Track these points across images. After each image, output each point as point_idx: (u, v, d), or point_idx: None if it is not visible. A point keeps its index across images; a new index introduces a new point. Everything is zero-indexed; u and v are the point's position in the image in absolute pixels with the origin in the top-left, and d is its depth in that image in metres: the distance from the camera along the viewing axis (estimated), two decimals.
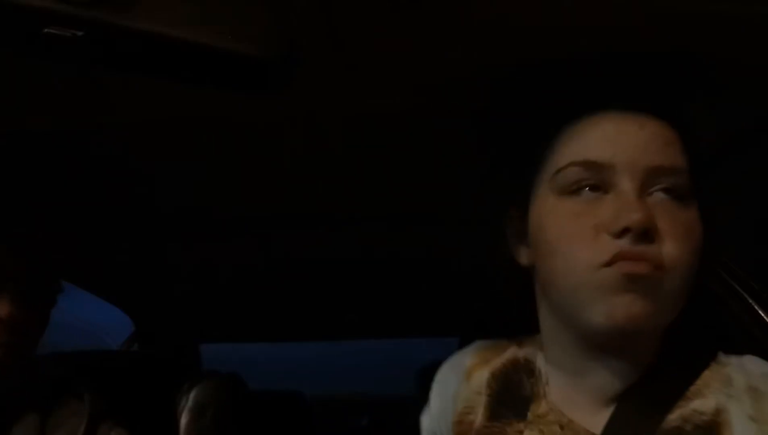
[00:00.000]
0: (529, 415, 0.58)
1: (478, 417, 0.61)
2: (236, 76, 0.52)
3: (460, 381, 0.64)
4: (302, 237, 1.07)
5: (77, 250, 1.09)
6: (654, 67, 0.58)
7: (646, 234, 0.49)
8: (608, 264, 0.49)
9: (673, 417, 0.52)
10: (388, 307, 1.55)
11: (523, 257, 0.60)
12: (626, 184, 0.51)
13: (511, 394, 0.61)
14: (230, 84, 0.54)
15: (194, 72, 0.51)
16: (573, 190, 0.53)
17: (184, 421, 1.39)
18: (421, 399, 0.70)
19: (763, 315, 0.84)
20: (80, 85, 0.61)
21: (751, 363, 0.55)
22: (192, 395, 1.43)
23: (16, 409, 0.77)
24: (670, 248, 0.50)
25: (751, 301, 0.85)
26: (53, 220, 0.95)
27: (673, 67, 0.58)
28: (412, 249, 1.11)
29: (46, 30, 0.44)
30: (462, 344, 0.69)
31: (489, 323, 0.77)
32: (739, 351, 0.58)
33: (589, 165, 0.52)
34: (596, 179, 0.52)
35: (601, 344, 0.54)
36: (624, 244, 0.49)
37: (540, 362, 0.62)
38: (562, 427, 0.56)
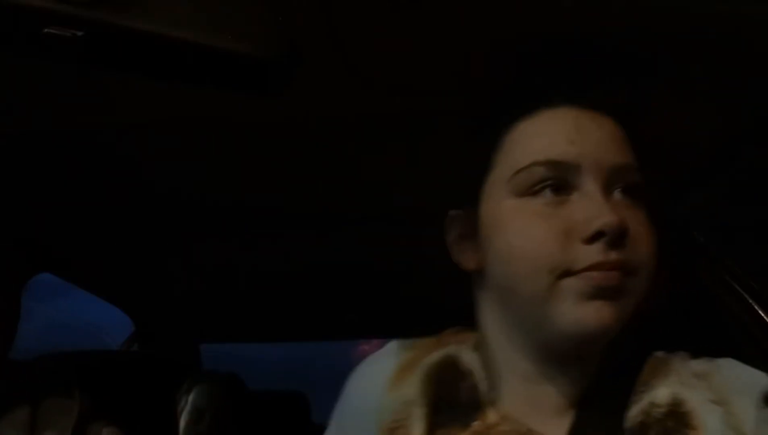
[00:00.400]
0: (476, 424, 0.53)
1: (415, 430, 0.54)
2: (236, 76, 0.52)
3: (383, 391, 0.57)
4: (303, 237, 1.07)
5: (77, 250, 1.09)
6: (606, 64, 0.57)
7: (620, 237, 0.47)
8: (580, 272, 0.48)
9: (634, 413, 0.51)
10: (389, 308, 1.55)
11: (470, 261, 0.57)
12: (591, 185, 0.49)
13: (451, 401, 0.55)
14: (230, 84, 0.54)
15: (194, 72, 0.51)
16: (535, 190, 0.50)
17: (182, 423, 1.39)
18: None
19: (763, 315, 0.84)
20: (80, 85, 0.61)
21: (683, 354, 0.55)
22: (190, 398, 1.43)
23: (4, 405, 0.77)
24: (638, 252, 0.49)
25: (751, 301, 0.85)
26: (53, 220, 0.95)
27: (623, 64, 0.57)
28: (413, 249, 1.11)
29: (46, 30, 0.44)
30: None
31: None
32: (739, 351, 0.58)
33: (553, 164, 0.50)
34: (559, 179, 0.50)
35: (566, 350, 0.52)
36: (597, 251, 0.47)
37: (474, 364, 0.57)
38: None
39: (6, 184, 0.82)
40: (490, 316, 0.57)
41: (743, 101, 0.66)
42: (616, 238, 0.47)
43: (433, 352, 0.59)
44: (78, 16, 0.43)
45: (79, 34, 0.44)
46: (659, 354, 0.55)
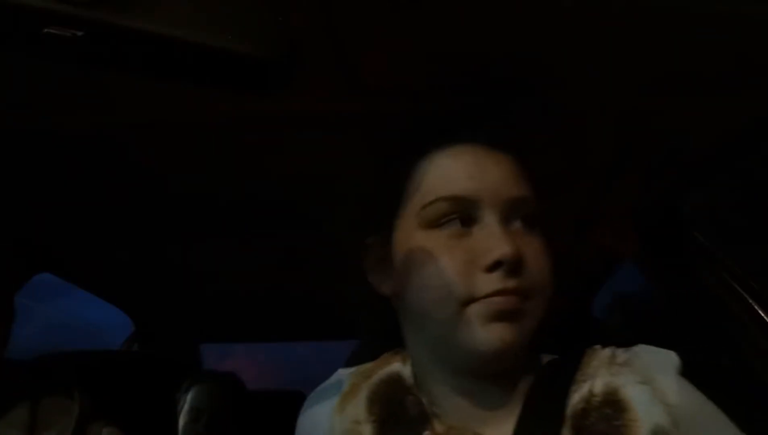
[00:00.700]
0: (426, 434, 0.57)
1: None
2: (236, 76, 0.52)
3: (332, 416, 0.61)
4: (303, 237, 1.07)
5: (77, 250, 1.09)
6: (504, 104, 0.62)
7: (517, 266, 0.52)
8: (482, 299, 0.52)
9: (576, 401, 0.55)
10: (389, 308, 1.54)
11: (386, 287, 0.62)
12: (490, 217, 0.54)
13: (398, 416, 0.58)
14: (230, 84, 0.54)
15: (194, 72, 0.51)
16: (441, 223, 0.55)
17: (181, 423, 1.39)
18: None
19: (763, 315, 0.84)
20: (80, 85, 0.61)
21: (612, 347, 0.59)
22: (189, 398, 1.44)
23: (4, 405, 0.77)
24: (534, 278, 0.54)
25: (751, 301, 0.85)
26: (53, 220, 0.95)
27: (520, 104, 0.63)
28: None
29: (46, 30, 0.44)
30: None
31: None
32: (739, 351, 0.59)
33: (455, 200, 0.55)
34: (462, 213, 0.55)
35: (479, 368, 0.56)
36: (497, 279, 0.52)
37: (412, 380, 0.61)
38: None
39: (6, 183, 0.82)
40: (412, 337, 0.61)
41: (743, 101, 0.66)
42: (512, 266, 0.52)
43: (376, 373, 0.63)
44: (78, 16, 0.43)
45: (79, 34, 0.44)
46: (593, 348, 0.60)
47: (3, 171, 0.79)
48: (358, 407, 0.60)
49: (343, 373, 0.66)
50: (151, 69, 0.51)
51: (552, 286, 0.56)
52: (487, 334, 0.52)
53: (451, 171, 0.56)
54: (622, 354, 0.58)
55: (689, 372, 0.55)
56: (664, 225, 0.96)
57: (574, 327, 1.26)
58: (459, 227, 0.55)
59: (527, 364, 0.59)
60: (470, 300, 0.53)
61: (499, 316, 0.52)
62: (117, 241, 1.07)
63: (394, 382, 0.61)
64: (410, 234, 0.57)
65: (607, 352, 0.59)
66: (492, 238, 0.53)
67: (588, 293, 1.33)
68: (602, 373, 0.56)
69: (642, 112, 0.68)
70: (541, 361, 0.61)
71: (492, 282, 0.52)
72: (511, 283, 0.52)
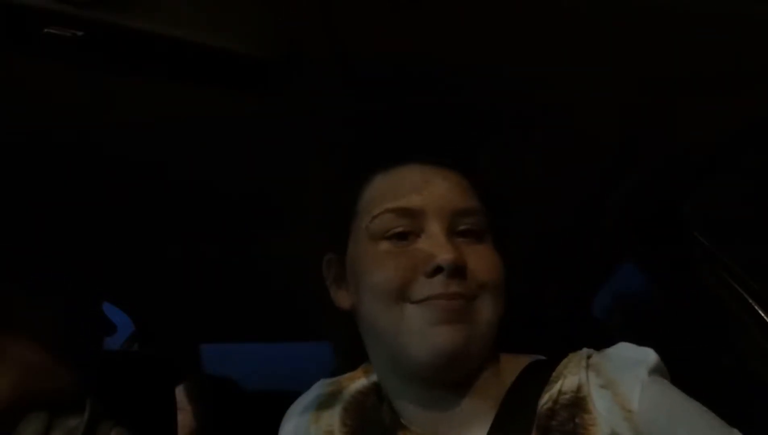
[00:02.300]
0: None
1: None
2: (236, 76, 0.52)
3: (308, 426, 0.63)
4: (303, 238, 1.07)
5: (76, 250, 1.09)
6: (451, 123, 0.65)
7: (458, 271, 0.54)
8: (423, 301, 0.54)
9: (544, 401, 0.55)
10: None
11: (344, 301, 0.63)
12: (435, 227, 0.57)
13: (370, 427, 0.60)
14: (230, 84, 0.54)
15: (194, 72, 0.51)
16: (388, 235, 0.57)
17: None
18: None
19: (763, 315, 0.83)
20: (80, 85, 0.61)
21: (588, 350, 0.60)
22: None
23: (22, 409, 0.77)
24: (480, 282, 0.56)
25: (751, 301, 0.85)
26: (53, 220, 0.95)
27: (467, 123, 0.66)
28: None
29: (46, 30, 0.44)
30: None
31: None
32: (739, 351, 0.59)
33: (401, 211, 0.57)
34: (408, 224, 0.57)
35: (433, 377, 0.56)
36: (439, 284, 0.54)
37: (382, 392, 0.62)
38: None
39: (5, 183, 0.82)
40: (372, 350, 0.63)
41: (744, 101, 0.66)
42: (453, 272, 0.54)
43: (352, 384, 0.65)
44: (78, 16, 0.43)
45: (79, 34, 0.44)
46: (583, 349, 0.60)
47: (3, 171, 0.79)
48: (333, 417, 0.62)
49: (322, 384, 0.68)
50: (151, 69, 0.51)
51: (503, 290, 0.58)
52: (431, 339, 0.53)
53: (398, 185, 0.59)
54: (596, 356, 0.58)
55: (668, 369, 0.56)
56: (664, 225, 0.96)
57: (573, 327, 1.26)
58: (406, 238, 0.57)
59: (504, 369, 0.60)
60: (412, 303, 0.54)
61: (443, 319, 0.53)
62: (117, 241, 1.07)
63: (368, 393, 0.63)
64: (361, 247, 0.59)
65: (583, 352, 0.59)
66: (435, 246, 0.55)
67: (588, 293, 1.33)
68: (572, 373, 0.57)
69: (642, 112, 0.68)
70: (522, 365, 0.61)
71: (433, 286, 0.54)
72: (452, 287, 0.54)
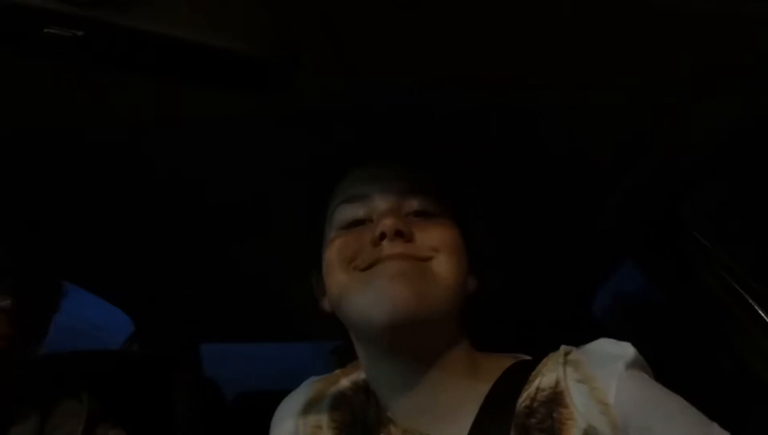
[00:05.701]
0: None
1: None
2: (236, 76, 0.52)
3: (296, 421, 0.65)
4: (303, 238, 1.07)
5: (77, 250, 1.09)
6: (407, 127, 0.69)
7: (400, 234, 0.58)
8: (374, 265, 0.58)
9: (522, 399, 0.57)
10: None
11: (326, 305, 0.67)
12: (382, 206, 0.62)
13: (357, 423, 0.62)
14: (230, 84, 0.54)
15: (194, 72, 0.51)
16: (344, 225, 0.63)
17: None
18: None
19: (763, 315, 0.83)
20: (80, 85, 0.61)
21: (568, 348, 0.61)
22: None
23: (16, 408, 0.77)
24: (430, 244, 0.59)
25: (751, 301, 0.85)
26: (53, 220, 0.95)
27: (418, 128, 0.69)
28: None
29: (46, 30, 0.44)
30: None
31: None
32: (739, 351, 0.58)
33: (351, 199, 0.63)
34: (361, 212, 0.63)
35: (401, 342, 0.58)
36: (385, 247, 0.58)
37: (370, 388, 0.64)
38: None
39: (5, 183, 0.82)
40: (356, 347, 0.65)
41: (744, 101, 0.66)
42: (394, 235, 0.58)
43: (340, 381, 0.67)
44: (78, 16, 0.43)
45: (79, 34, 0.44)
46: (565, 347, 0.61)
47: (3, 171, 0.79)
48: (321, 413, 0.64)
49: (311, 381, 0.70)
50: (151, 69, 0.51)
51: (461, 260, 0.61)
52: (385, 295, 0.56)
53: (351, 182, 0.65)
54: (575, 351, 0.59)
55: (667, 369, 0.57)
56: (664, 225, 0.96)
57: (573, 327, 1.26)
58: (362, 225, 0.62)
59: (488, 369, 0.61)
60: (364, 268, 0.59)
61: (393, 275, 0.56)
62: (117, 241, 1.07)
63: (357, 389, 0.65)
64: (328, 242, 0.64)
65: (563, 349, 0.60)
66: (379, 220, 0.59)
67: (588, 293, 1.33)
68: (550, 370, 0.58)
69: (642, 112, 0.68)
70: (506, 365, 0.62)
71: (380, 250, 0.58)
72: (398, 249, 0.58)
